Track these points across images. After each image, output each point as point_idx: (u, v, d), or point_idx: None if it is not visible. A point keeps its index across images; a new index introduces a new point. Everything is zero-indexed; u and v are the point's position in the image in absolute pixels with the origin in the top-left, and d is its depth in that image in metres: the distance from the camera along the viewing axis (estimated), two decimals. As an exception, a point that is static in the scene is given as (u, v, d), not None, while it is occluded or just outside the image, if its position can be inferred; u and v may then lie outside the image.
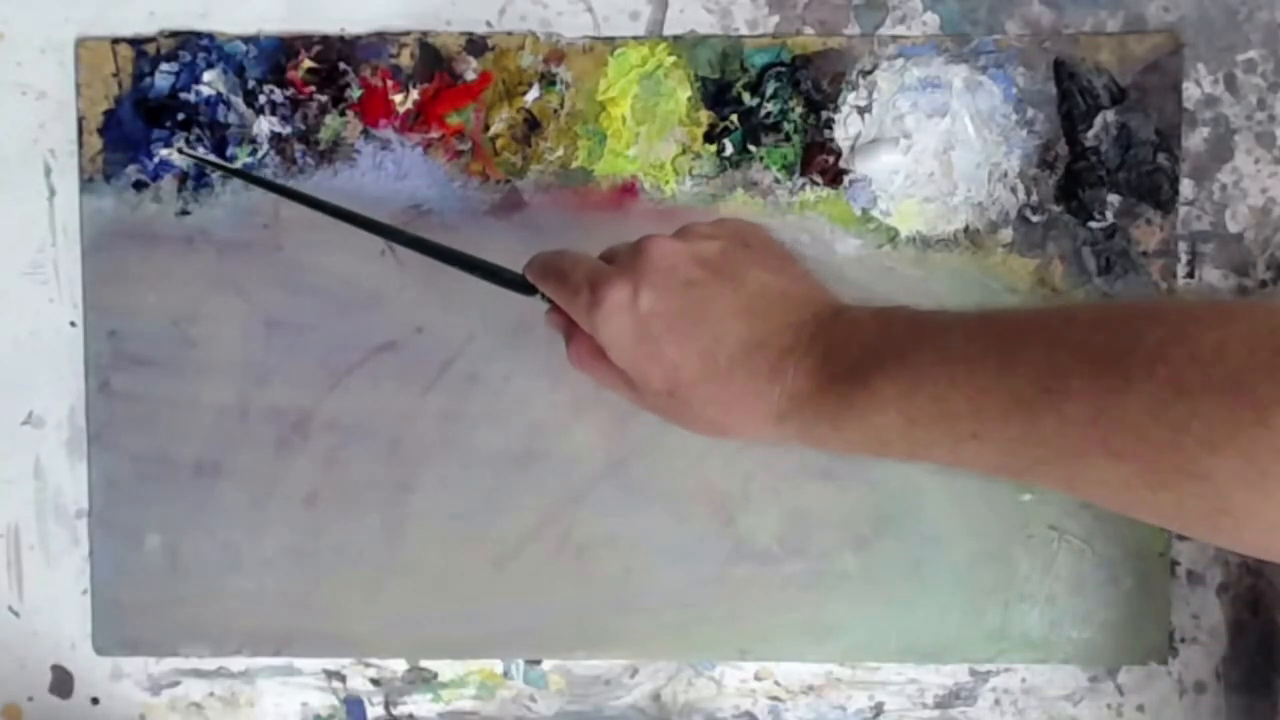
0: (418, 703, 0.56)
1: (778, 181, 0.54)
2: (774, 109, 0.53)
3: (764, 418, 0.41)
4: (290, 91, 0.54)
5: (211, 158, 0.53)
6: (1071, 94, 0.53)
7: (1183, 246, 0.53)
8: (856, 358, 0.39)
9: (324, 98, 0.54)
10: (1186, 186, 0.53)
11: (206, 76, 0.54)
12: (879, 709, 0.56)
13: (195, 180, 0.54)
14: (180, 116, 0.54)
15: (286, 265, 0.54)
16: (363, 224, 0.49)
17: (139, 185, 0.54)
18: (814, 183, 0.53)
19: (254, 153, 0.54)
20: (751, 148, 0.53)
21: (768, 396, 0.40)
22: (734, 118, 0.53)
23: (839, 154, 0.53)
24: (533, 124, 0.54)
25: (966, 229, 0.53)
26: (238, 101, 0.54)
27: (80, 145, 0.54)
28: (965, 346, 0.37)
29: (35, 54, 0.55)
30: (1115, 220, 0.53)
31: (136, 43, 0.54)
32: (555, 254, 0.45)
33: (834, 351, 0.40)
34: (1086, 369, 0.34)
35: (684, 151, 0.54)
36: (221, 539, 0.55)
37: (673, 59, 0.53)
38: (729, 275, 0.41)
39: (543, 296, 0.46)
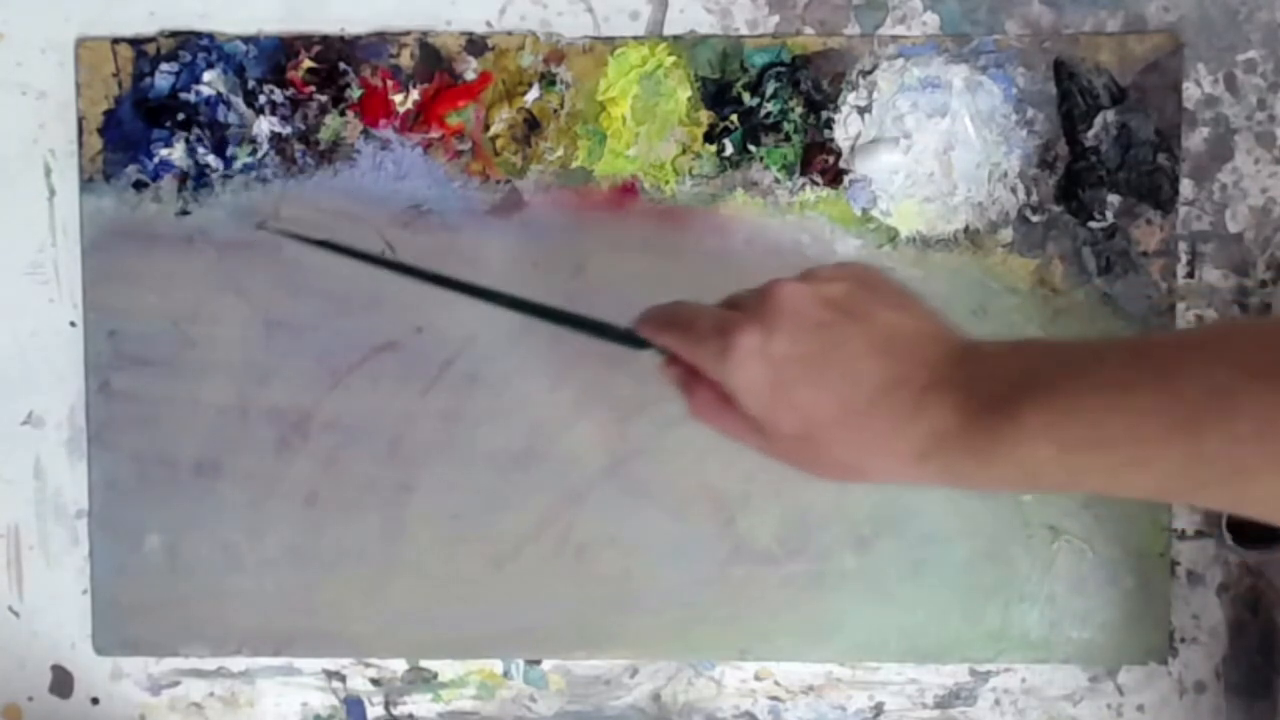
0: (418, 703, 0.56)
1: (778, 181, 0.54)
2: (774, 109, 0.53)
3: (905, 458, 0.40)
4: (290, 91, 0.54)
5: (313, 237, 0.51)
6: (1071, 94, 0.53)
7: (1183, 246, 0.53)
8: (1001, 390, 0.38)
9: (324, 98, 0.54)
10: (1186, 186, 0.53)
11: (206, 76, 0.54)
12: (879, 709, 0.56)
13: (195, 180, 0.54)
14: (180, 116, 0.54)
15: (286, 265, 0.54)
16: (468, 290, 0.47)
17: (139, 185, 0.54)
18: (814, 183, 0.53)
19: (254, 153, 0.54)
20: (751, 148, 0.53)
21: (909, 436, 0.39)
22: (734, 118, 0.53)
23: (839, 154, 0.53)
24: (533, 124, 0.54)
25: (966, 229, 0.53)
26: (238, 101, 0.54)
27: (80, 145, 0.54)
28: (1117, 371, 0.36)
29: (35, 54, 0.55)
30: (1115, 220, 0.53)
31: (136, 43, 0.54)
32: (672, 305, 0.44)
33: (976, 385, 0.39)
34: (1253, 385, 0.34)
35: (684, 151, 0.54)
36: (221, 539, 0.55)
37: (673, 59, 0.53)
38: (858, 316, 0.41)
39: (657, 350, 0.45)
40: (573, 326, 0.46)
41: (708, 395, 0.43)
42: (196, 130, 0.54)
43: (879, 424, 0.40)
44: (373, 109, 0.54)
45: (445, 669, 0.56)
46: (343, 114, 0.54)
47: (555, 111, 0.54)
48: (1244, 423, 0.34)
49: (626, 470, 0.54)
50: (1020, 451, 0.37)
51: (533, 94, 0.53)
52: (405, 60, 0.54)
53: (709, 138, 0.53)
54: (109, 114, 0.54)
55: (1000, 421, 0.38)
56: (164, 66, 0.54)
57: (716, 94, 0.53)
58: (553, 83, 0.53)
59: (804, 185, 0.54)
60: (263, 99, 0.54)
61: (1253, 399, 0.34)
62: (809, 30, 0.53)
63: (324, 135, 0.54)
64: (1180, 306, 0.53)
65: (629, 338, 0.45)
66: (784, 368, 0.40)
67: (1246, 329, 0.37)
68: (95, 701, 0.56)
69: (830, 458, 0.41)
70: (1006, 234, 0.53)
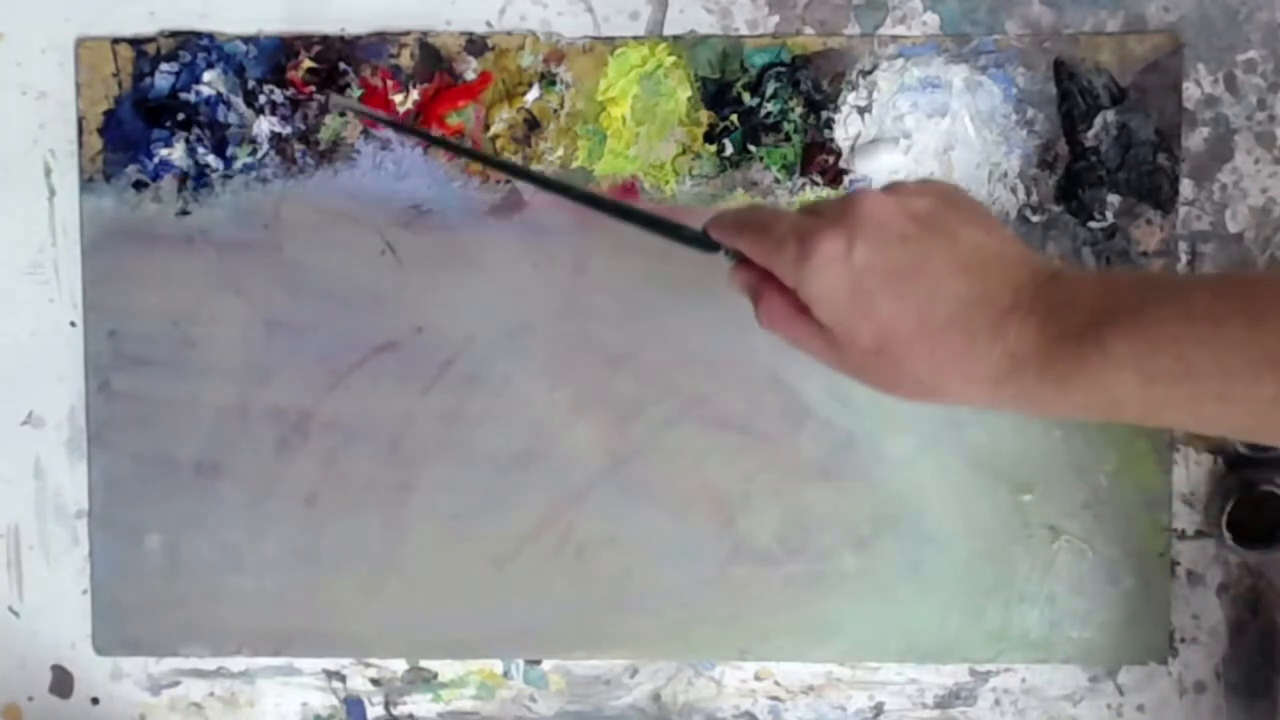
0: (418, 703, 0.56)
1: (778, 181, 0.54)
2: (774, 109, 0.53)
3: (980, 379, 0.39)
4: (290, 91, 0.54)
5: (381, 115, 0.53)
6: (1071, 94, 0.53)
7: (1183, 246, 0.53)
8: (1086, 317, 0.37)
9: (324, 98, 0.54)
10: (1186, 186, 0.53)
11: (206, 76, 0.54)
12: (879, 709, 0.56)
13: (195, 180, 0.54)
14: (180, 116, 0.54)
15: (286, 265, 0.54)
16: (530, 178, 0.50)
17: (139, 185, 0.54)
18: (814, 183, 0.53)
19: (254, 153, 0.54)
20: (751, 148, 0.53)
21: (987, 356, 0.39)
22: (734, 118, 0.53)
23: (839, 154, 0.53)
24: (533, 124, 0.54)
25: (966, 229, 0.53)
26: (238, 101, 0.54)
27: (80, 145, 0.54)
28: (1210, 305, 0.36)
29: (35, 54, 0.55)
30: (1115, 220, 0.53)
31: (136, 43, 0.54)
32: (749, 208, 0.44)
33: (1060, 310, 0.38)
34: None
35: (684, 151, 0.54)
36: (221, 539, 0.55)
37: (673, 59, 0.53)
38: (943, 232, 0.40)
39: (728, 253, 0.44)
40: (644, 226, 0.45)
41: (778, 303, 0.42)
42: (196, 130, 0.54)
43: (957, 342, 0.39)
44: (373, 109, 0.53)
45: (445, 669, 0.56)
46: (342, 114, 0.54)
47: (555, 111, 0.54)
48: None
49: (626, 470, 0.54)
50: (1103, 380, 0.37)
51: (533, 94, 0.53)
52: (405, 60, 0.54)
53: (709, 138, 0.53)
54: (109, 114, 0.54)
55: (1084, 348, 0.37)
56: (164, 66, 0.54)
57: (716, 94, 0.53)
58: (553, 83, 0.53)
59: (804, 185, 0.54)
60: (263, 99, 0.54)
61: None
62: (809, 30, 0.53)
63: (324, 135, 0.54)
64: (1180, 306, 0.53)
65: (701, 240, 0.44)
66: (865, 277, 0.39)
67: None
68: (95, 701, 0.56)
69: (905, 374, 0.40)
70: (1006, 234, 0.53)
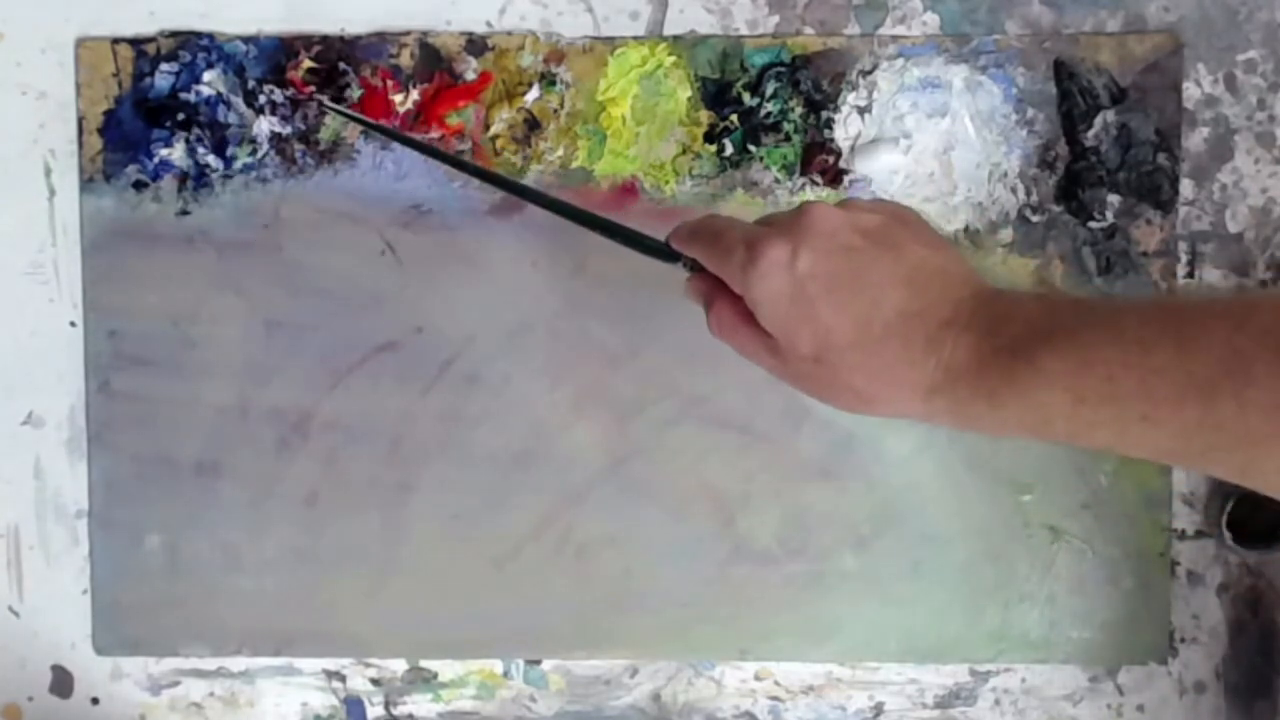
0: (418, 703, 0.56)
1: (778, 181, 0.54)
2: (774, 109, 0.53)
3: (914, 390, 0.40)
4: (290, 91, 0.54)
5: (363, 118, 0.53)
6: (1071, 94, 0.53)
7: (1183, 246, 0.53)
8: (1021, 334, 0.38)
9: (324, 98, 0.54)
10: (1186, 186, 0.53)
11: (206, 76, 0.54)
12: (879, 709, 0.56)
13: (195, 180, 0.54)
14: (180, 116, 0.54)
15: (286, 265, 0.54)
16: (500, 183, 0.51)
17: (139, 185, 0.54)
18: (814, 183, 0.53)
19: (254, 153, 0.54)
20: (751, 148, 0.53)
21: (921, 367, 0.40)
22: (734, 118, 0.53)
23: (839, 154, 0.53)
24: (533, 124, 0.54)
25: (966, 229, 0.53)
26: (238, 101, 0.54)
27: (80, 145, 0.54)
28: (1140, 328, 0.37)
29: (35, 54, 0.55)
30: (1115, 220, 0.53)
31: (136, 43, 0.54)
32: (707, 217, 0.45)
33: (996, 327, 0.39)
34: (1271, 355, 0.34)
35: (684, 151, 0.54)
36: (221, 539, 0.55)
37: (673, 59, 0.53)
38: (889, 246, 0.41)
39: (685, 264, 0.45)
40: (610, 235, 0.47)
41: (728, 311, 0.43)
42: (196, 130, 0.54)
43: (893, 352, 0.40)
44: (373, 109, 0.53)
45: (445, 669, 0.56)
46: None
47: (555, 111, 0.54)
48: (1260, 392, 0.34)
49: (626, 470, 0.54)
50: (1033, 397, 0.38)
51: (533, 94, 0.53)
52: (405, 60, 0.54)
53: (709, 138, 0.53)
54: (109, 114, 0.54)
55: (1016, 365, 0.38)
56: (164, 66, 0.54)
57: (716, 94, 0.53)
58: (553, 83, 0.53)
59: (804, 185, 0.54)
60: (263, 99, 0.54)
61: (1270, 369, 0.34)
62: (809, 30, 0.53)
63: (324, 135, 0.54)
64: (1180, 306, 0.53)
65: (663, 251, 0.46)
66: (807, 284, 0.40)
67: (1272, 300, 0.36)
68: (95, 701, 0.56)
69: (841, 382, 0.41)
70: (1006, 234, 0.53)
